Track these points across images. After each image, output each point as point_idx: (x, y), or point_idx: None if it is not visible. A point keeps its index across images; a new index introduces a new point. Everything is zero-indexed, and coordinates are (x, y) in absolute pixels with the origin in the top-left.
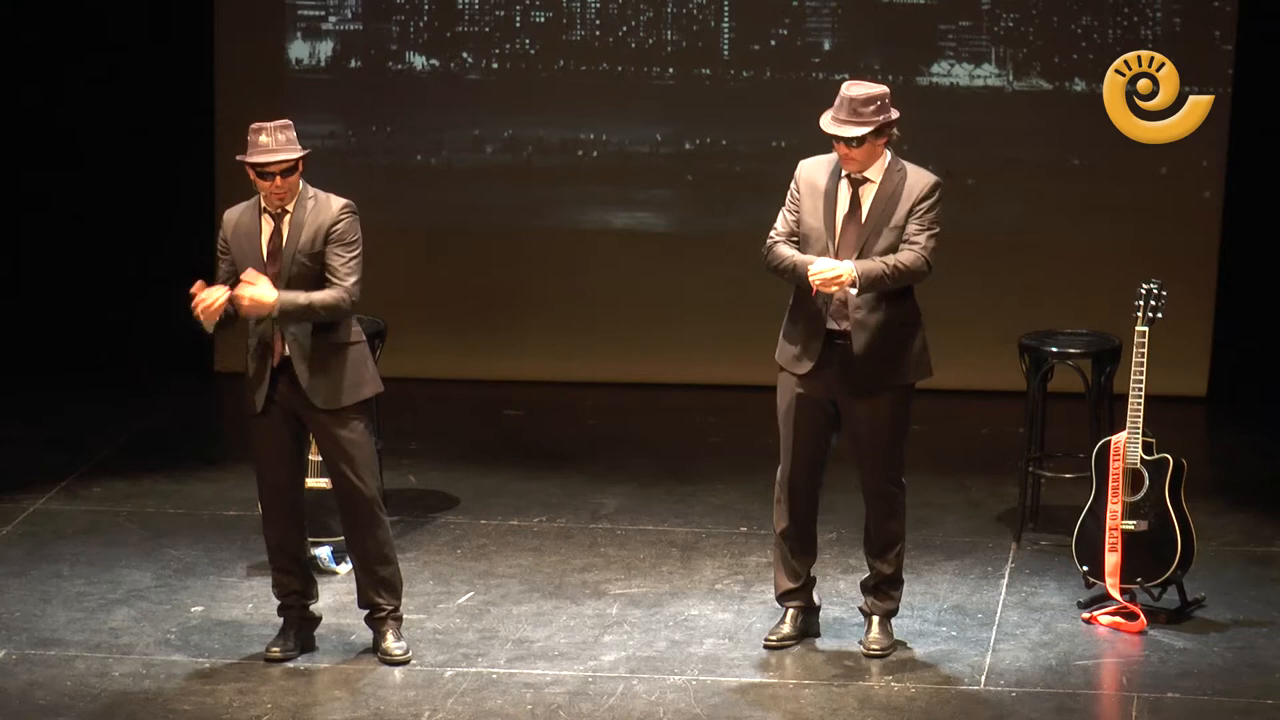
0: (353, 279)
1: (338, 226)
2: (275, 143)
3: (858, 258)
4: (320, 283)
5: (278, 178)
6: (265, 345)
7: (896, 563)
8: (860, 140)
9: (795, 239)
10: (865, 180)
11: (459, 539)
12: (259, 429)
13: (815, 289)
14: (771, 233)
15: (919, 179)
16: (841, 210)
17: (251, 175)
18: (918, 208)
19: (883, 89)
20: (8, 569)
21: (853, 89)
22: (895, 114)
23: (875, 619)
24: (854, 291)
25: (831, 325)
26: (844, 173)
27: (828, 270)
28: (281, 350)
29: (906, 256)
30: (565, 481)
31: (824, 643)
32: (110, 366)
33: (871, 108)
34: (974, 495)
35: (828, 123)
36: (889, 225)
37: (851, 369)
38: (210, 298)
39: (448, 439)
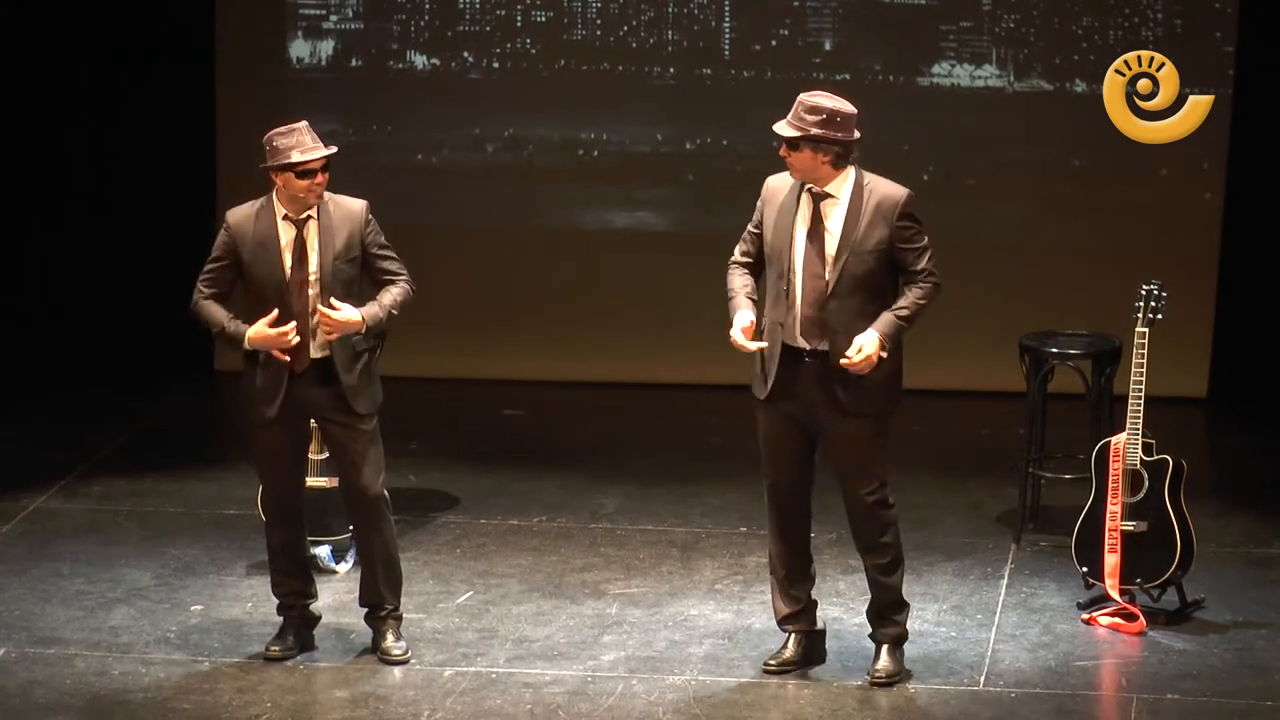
0: (405, 270)
1: (371, 228)
2: (309, 141)
3: (837, 282)
4: (353, 284)
5: (319, 174)
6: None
7: (898, 585)
8: (793, 144)
9: (749, 259)
10: (827, 195)
11: (459, 538)
12: (269, 434)
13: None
14: (736, 249)
15: (889, 193)
16: (801, 227)
17: (283, 179)
18: (902, 231)
19: (845, 109)
20: (7, 567)
21: (811, 95)
22: (853, 135)
23: (884, 647)
24: (884, 355)
25: (800, 344)
26: (805, 186)
27: (862, 361)
28: (308, 355)
29: (917, 294)
30: (565, 481)
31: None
32: (110, 366)
33: (815, 118)
34: (974, 496)
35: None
36: (867, 248)
37: (830, 392)
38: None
39: (447, 439)
